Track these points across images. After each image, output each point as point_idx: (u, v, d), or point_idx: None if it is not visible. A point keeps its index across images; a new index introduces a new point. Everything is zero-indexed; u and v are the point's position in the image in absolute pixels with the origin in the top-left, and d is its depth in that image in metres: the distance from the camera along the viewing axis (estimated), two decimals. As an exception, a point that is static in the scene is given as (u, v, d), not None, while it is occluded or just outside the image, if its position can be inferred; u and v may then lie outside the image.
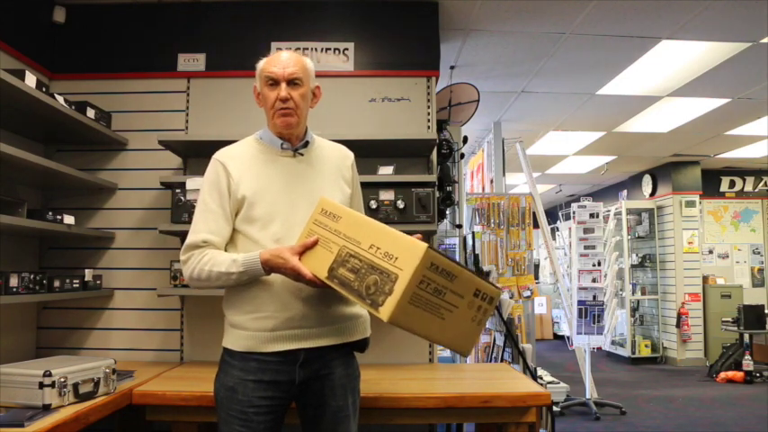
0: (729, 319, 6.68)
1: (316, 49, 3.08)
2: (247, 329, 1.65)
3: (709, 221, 8.46)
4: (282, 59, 1.70)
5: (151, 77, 3.07)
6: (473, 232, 4.08)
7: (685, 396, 5.70)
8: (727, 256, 8.49)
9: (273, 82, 1.68)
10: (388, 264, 1.36)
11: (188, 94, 3.06)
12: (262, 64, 1.74)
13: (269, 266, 1.57)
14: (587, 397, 5.09)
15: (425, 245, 1.34)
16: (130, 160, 3.03)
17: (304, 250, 1.55)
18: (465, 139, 3.74)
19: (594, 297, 5.29)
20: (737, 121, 5.78)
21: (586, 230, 5.45)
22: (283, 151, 1.74)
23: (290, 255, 1.54)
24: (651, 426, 4.62)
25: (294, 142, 1.76)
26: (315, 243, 1.54)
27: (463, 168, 4.59)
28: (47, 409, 1.81)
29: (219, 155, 1.74)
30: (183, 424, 2.17)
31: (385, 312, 1.32)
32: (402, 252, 1.36)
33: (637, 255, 8.26)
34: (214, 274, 1.61)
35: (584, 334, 5.24)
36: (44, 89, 2.40)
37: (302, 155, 1.76)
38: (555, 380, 4.77)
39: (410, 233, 1.42)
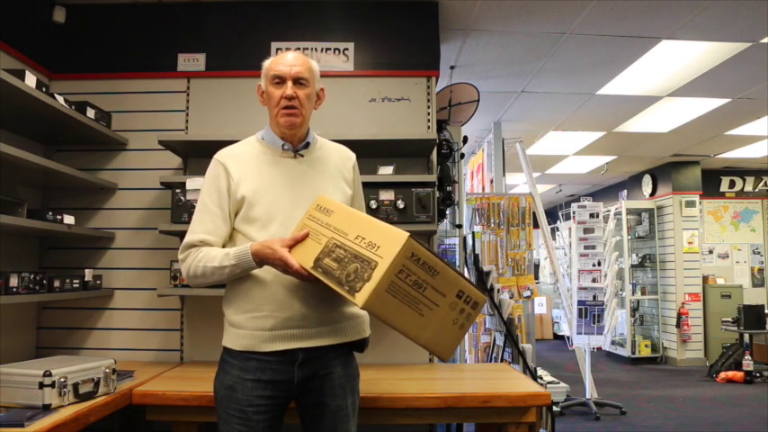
0: (729, 319, 6.69)
1: (316, 49, 3.08)
2: (246, 329, 1.65)
3: (710, 221, 8.46)
4: (289, 59, 1.71)
5: (151, 77, 3.07)
6: (473, 232, 4.08)
7: (685, 396, 5.70)
8: (727, 256, 8.49)
9: (280, 80, 1.69)
10: (371, 252, 1.36)
11: (188, 94, 3.06)
12: (268, 63, 1.74)
13: (259, 257, 1.57)
14: (587, 397, 5.09)
15: (407, 234, 1.34)
16: (130, 160, 3.03)
17: (294, 243, 1.56)
18: (465, 139, 3.74)
19: (594, 297, 5.29)
20: (737, 121, 5.78)
21: (586, 230, 5.45)
22: (284, 152, 1.75)
23: (279, 246, 1.55)
24: (651, 426, 4.62)
25: (295, 143, 1.76)
26: (305, 236, 1.55)
27: (463, 168, 4.59)
28: (47, 409, 1.81)
29: (220, 155, 1.75)
30: (183, 424, 2.17)
31: (360, 298, 1.31)
32: (384, 241, 1.37)
33: (637, 255, 8.26)
34: (209, 269, 1.63)
35: (585, 334, 5.24)
36: (44, 89, 2.40)
37: (303, 156, 1.76)
38: (555, 380, 4.77)
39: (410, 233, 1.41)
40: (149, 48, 3.09)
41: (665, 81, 4.59)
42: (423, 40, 3.14)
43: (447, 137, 3.27)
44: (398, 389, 2.24)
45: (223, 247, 1.69)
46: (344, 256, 1.42)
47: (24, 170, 2.46)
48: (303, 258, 1.51)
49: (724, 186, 8.46)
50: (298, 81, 1.69)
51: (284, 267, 1.54)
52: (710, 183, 8.22)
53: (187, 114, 3.04)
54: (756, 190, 8.47)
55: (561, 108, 5.31)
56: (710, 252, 8.44)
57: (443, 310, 1.40)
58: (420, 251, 1.35)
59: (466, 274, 3.59)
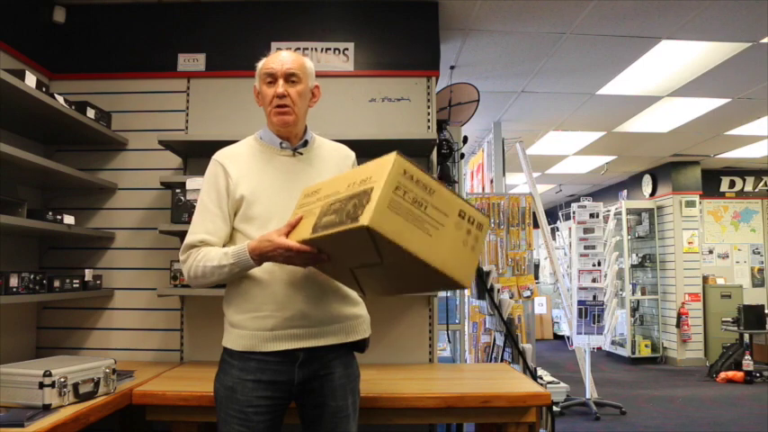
0: (729, 319, 6.69)
1: (316, 49, 3.08)
2: (247, 329, 1.65)
3: (710, 221, 8.46)
4: (281, 57, 1.72)
5: (151, 77, 3.07)
6: (473, 232, 4.07)
7: (685, 396, 5.70)
8: (727, 256, 8.49)
9: (272, 78, 1.70)
10: (365, 186, 1.35)
11: (188, 94, 3.06)
12: (261, 63, 1.75)
13: (257, 253, 1.56)
14: (587, 397, 5.09)
15: (395, 152, 1.33)
16: (130, 160, 3.03)
17: (290, 229, 1.53)
18: (465, 139, 3.74)
19: (594, 297, 5.29)
20: (737, 121, 5.78)
21: (586, 230, 5.45)
22: (282, 150, 1.75)
23: (275, 236, 1.53)
24: (651, 426, 4.62)
25: (293, 141, 1.76)
26: (299, 220, 1.53)
27: (463, 168, 4.59)
28: (47, 409, 1.81)
29: (218, 155, 1.75)
30: (183, 424, 2.17)
31: (365, 218, 1.27)
32: (375, 170, 1.35)
33: (637, 255, 8.26)
34: (208, 269, 1.62)
35: (585, 334, 5.24)
36: (44, 89, 2.40)
37: (301, 154, 1.77)
38: (555, 380, 4.77)
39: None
40: (149, 48, 3.09)
41: (665, 81, 4.59)
42: (423, 40, 3.14)
43: (447, 137, 3.27)
44: (398, 389, 2.24)
45: (224, 247, 1.69)
46: (341, 205, 1.40)
47: (24, 170, 2.46)
48: (301, 234, 1.49)
49: (724, 186, 8.46)
50: (289, 78, 1.69)
51: (285, 254, 1.51)
52: (710, 183, 8.22)
53: (187, 114, 3.04)
54: (756, 190, 8.47)
55: (561, 108, 5.31)
56: (710, 252, 8.44)
57: (450, 230, 1.37)
58: (412, 169, 1.34)
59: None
